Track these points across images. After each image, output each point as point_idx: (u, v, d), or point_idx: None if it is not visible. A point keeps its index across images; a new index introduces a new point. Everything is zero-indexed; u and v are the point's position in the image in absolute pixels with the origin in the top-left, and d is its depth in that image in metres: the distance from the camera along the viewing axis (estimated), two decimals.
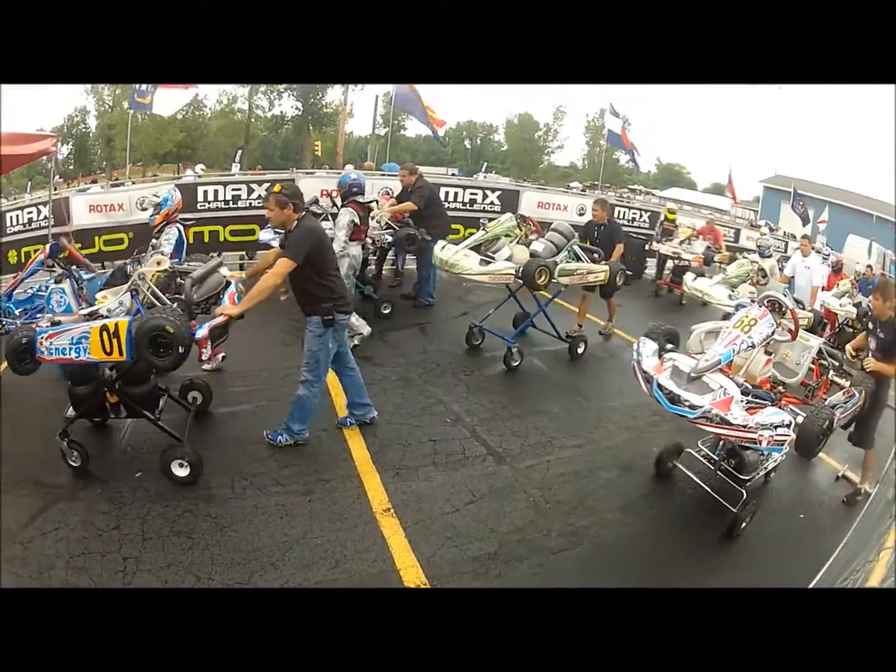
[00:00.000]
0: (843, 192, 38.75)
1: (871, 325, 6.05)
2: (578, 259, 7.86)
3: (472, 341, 8.05)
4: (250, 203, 11.63)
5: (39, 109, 37.38)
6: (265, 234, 9.08)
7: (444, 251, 7.70)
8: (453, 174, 37.91)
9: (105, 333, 4.25)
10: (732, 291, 9.93)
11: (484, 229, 8.09)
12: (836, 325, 11.52)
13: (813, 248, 10.77)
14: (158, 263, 4.97)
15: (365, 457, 5.28)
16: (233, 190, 11.64)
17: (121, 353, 4.28)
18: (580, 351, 8.21)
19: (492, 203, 13.83)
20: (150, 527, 4.24)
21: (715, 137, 79.38)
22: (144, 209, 10.25)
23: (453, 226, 11.43)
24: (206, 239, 11.17)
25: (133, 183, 14.33)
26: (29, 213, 10.57)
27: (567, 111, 56.69)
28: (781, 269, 11.33)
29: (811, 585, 3.80)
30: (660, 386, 4.51)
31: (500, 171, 50.87)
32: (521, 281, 7.25)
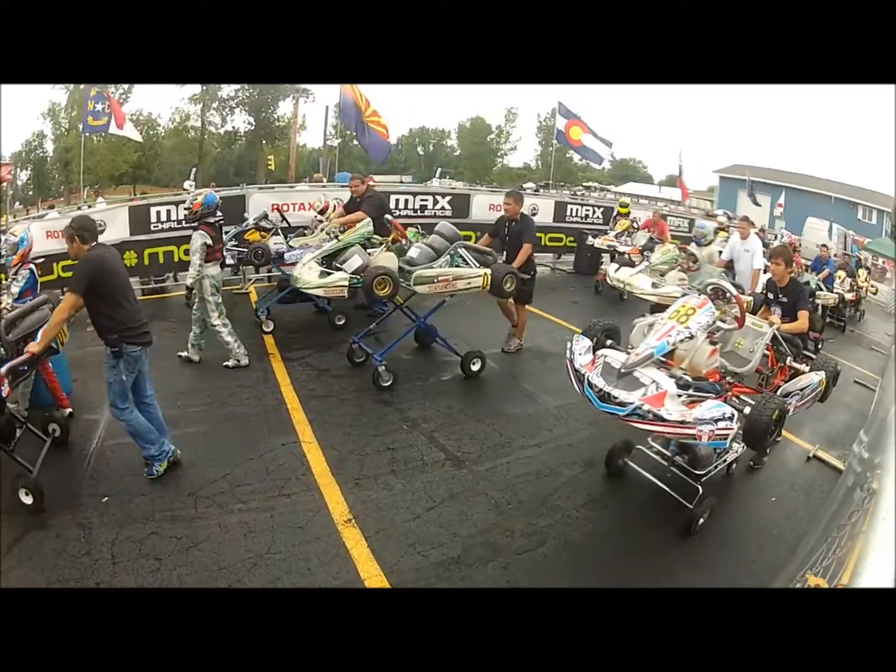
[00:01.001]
0: (800, 176, 39.46)
1: (770, 295, 6.23)
2: (466, 263, 7.22)
3: (354, 359, 7.75)
4: None
5: None
6: None
7: (297, 267, 7.35)
8: (401, 181, 37.74)
9: None
10: (659, 279, 9.59)
11: (337, 238, 7.74)
12: None
13: (753, 231, 10.20)
14: None
15: (324, 469, 5.26)
16: (185, 209, 11.56)
17: None
18: (475, 368, 7.51)
19: (443, 208, 13.85)
20: (119, 550, 4.21)
21: (669, 130, 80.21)
22: (101, 233, 10.20)
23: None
24: (161, 260, 11.09)
25: (89, 206, 14.12)
26: None
27: (518, 112, 57.16)
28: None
29: (785, 567, 3.85)
30: (590, 384, 4.47)
31: (454, 176, 50.99)
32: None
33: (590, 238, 14.16)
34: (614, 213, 15.09)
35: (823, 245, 17.93)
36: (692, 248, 10.64)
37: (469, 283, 6.96)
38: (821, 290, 12.26)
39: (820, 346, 10.15)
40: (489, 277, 6.99)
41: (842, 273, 16.31)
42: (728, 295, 5.07)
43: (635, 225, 14.30)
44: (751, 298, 7.26)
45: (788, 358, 5.44)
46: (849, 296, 15.62)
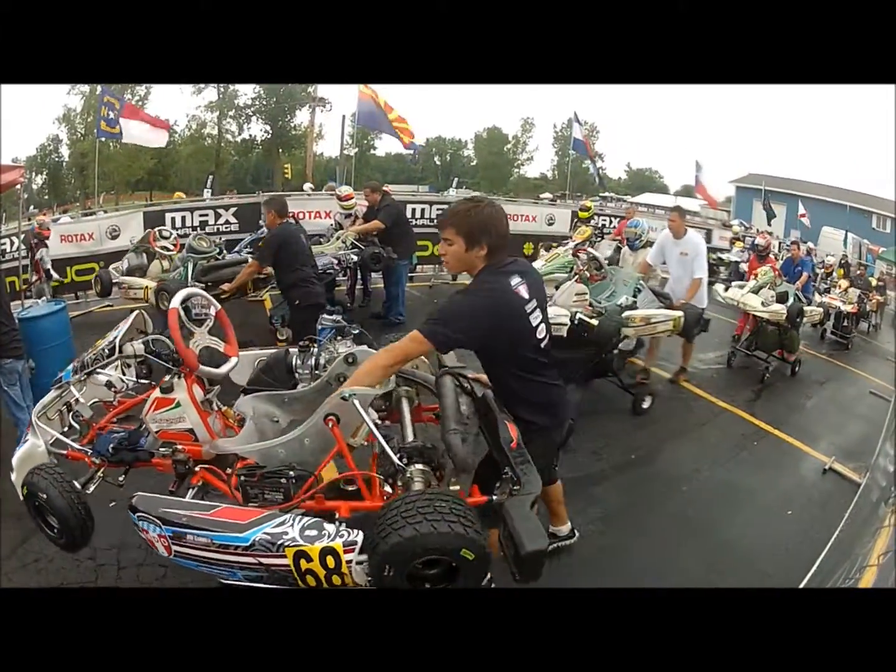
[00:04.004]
0: (815, 185, 39.44)
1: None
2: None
3: None
4: (218, 228, 11.63)
5: (11, 139, 37.34)
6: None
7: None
8: (415, 191, 37.84)
9: None
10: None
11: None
12: (757, 324, 9.46)
13: (687, 226, 8.04)
14: None
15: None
16: (200, 216, 11.66)
17: None
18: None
19: None
20: (124, 556, 4.17)
21: (685, 140, 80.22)
22: (114, 238, 10.28)
23: (421, 243, 11.46)
24: None
25: (105, 212, 14.24)
26: (2, 244, 10.49)
27: (535, 122, 57.42)
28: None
29: (802, 585, 3.80)
30: None
31: (471, 186, 51.11)
32: None
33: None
34: (574, 220, 13.87)
35: (794, 242, 15.49)
36: (601, 249, 9.35)
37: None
38: (800, 300, 9.73)
39: (797, 368, 9.68)
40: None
41: (843, 282, 15.29)
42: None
43: (598, 233, 12.99)
44: (681, 314, 6.66)
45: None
46: (847, 308, 13.70)
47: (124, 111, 14.91)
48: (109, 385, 3.53)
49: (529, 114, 62.63)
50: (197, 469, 3.18)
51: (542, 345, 3.18)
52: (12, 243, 10.40)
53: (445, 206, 14.07)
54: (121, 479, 3.45)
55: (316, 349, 3.53)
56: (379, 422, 3.32)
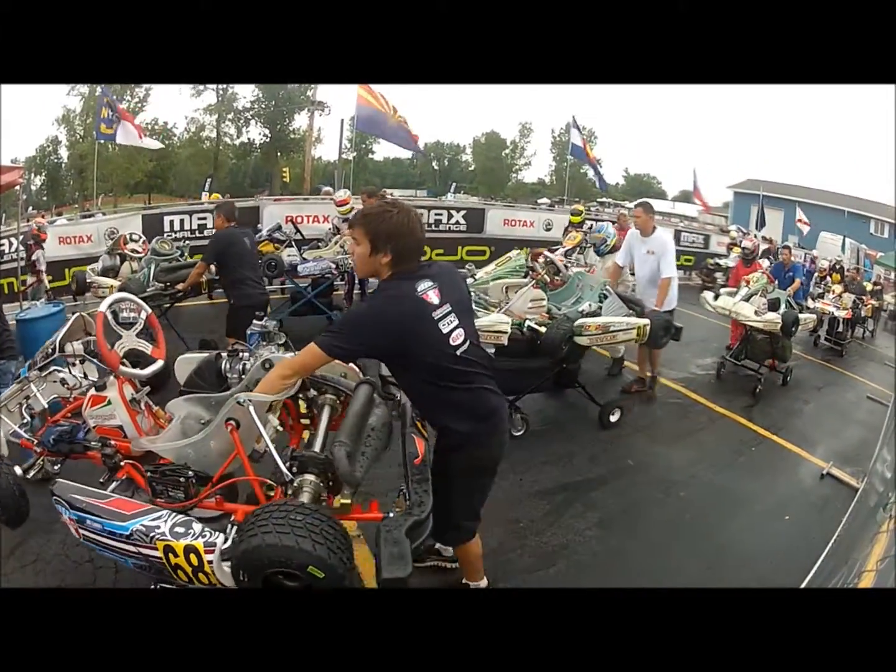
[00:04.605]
0: (813, 190, 39.57)
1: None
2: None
3: None
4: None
5: (11, 140, 37.41)
6: None
7: None
8: (412, 196, 37.91)
9: None
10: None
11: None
12: (746, 332, 9.05)
13: (656, 224, 7.79)
14: None
15: None
16: (199, 219, 11.66)
17: None
18: None
19: (457, 223, 13.91)
20: None
21: (683, 146, 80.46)
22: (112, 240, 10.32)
23: None
24: None
25: (104, 214, 14.26)
26: (0, 245, 10.49)
27: (533, 127, 57.59)
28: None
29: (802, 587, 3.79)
30: None
31: (469, 191, 51.25)
32: None
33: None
34: (566, 225, 12.99)
35: (786, 246, 14.34)
36: (562, 253, 8.53)
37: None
38: (792, 308, 9.16)
39: (788, 378, 9.34)
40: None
41: (837, 287, 14.39)
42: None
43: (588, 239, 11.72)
44: (646, 322, 6.14)
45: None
46: (841, 314, 13.09)
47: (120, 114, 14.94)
48: (63, 382, 3.70)
49: (528, 118, 63.07)
50: (122, 464, 3.28)
51: (459, 351, 3.04)
52: (11, 244, 10.40)
53: (443, 211, 14.13)
54: (56, 467, 3.63)
55: (247, 354, 3.59)
56: (281, 428, 3.40)
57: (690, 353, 10.27)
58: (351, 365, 3.55)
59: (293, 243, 9.77)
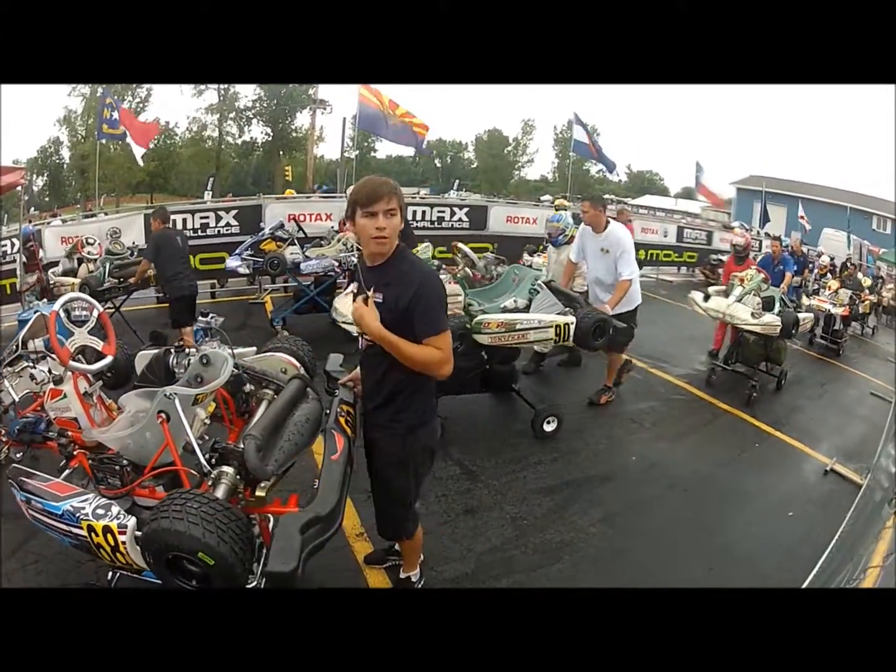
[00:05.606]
0: (816, 186, 39.47)
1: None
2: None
3: None
4: (219, 231, 11.64)
5: (12, 141, 37.46)
6: (232, 262, 9.27)
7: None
8: (415, 193, 37.82)
9: None
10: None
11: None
12: (738, 334, 8.63)
13: (611, 218, 7.07)
14: None
15: None
16: (201, 218, 11.65)
17: None
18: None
19: (460, 220, 13.90)
20: None
21: (685, 143, 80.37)
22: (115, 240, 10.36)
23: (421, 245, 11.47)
24: None
25: (106, 214, 14.25)
26: (3, 246, 10.48)
27: (535, 125, 57.59)
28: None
29: (804, 586, 3.78)
30: None
31: (471, 188, 51.22)
32: None
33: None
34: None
35: (776, 238, 12.92)
36: (533, 254, 8.86)
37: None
38: (787, 306, 8.59)
39: (783, 381, 8.79)
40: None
41: (833, 283, 13.61)
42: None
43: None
44: (569, 320, 5.66)
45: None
46: (838, 311, 12.33)
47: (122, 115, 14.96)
48: (32, 377, 3.87)
49: (530, 116, 62.93)
50: (76, 453, 3.46)
51: None
52: (13, 245, 10.39)
53: (446, 208, 14.11)
54: (18, 455, 3.84)
55: (193, 349, 3.77)
56: (209, 422, 3.59)
57: (694, 349, 10.29)
58: (290, 359, 3.83)
59: (296, 241, 9.76)
